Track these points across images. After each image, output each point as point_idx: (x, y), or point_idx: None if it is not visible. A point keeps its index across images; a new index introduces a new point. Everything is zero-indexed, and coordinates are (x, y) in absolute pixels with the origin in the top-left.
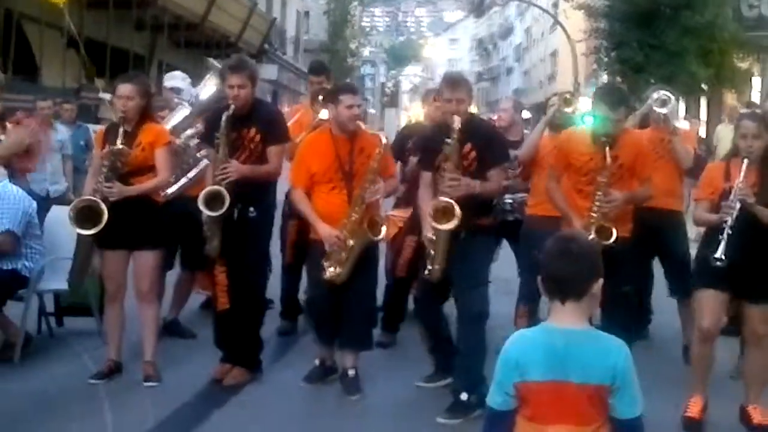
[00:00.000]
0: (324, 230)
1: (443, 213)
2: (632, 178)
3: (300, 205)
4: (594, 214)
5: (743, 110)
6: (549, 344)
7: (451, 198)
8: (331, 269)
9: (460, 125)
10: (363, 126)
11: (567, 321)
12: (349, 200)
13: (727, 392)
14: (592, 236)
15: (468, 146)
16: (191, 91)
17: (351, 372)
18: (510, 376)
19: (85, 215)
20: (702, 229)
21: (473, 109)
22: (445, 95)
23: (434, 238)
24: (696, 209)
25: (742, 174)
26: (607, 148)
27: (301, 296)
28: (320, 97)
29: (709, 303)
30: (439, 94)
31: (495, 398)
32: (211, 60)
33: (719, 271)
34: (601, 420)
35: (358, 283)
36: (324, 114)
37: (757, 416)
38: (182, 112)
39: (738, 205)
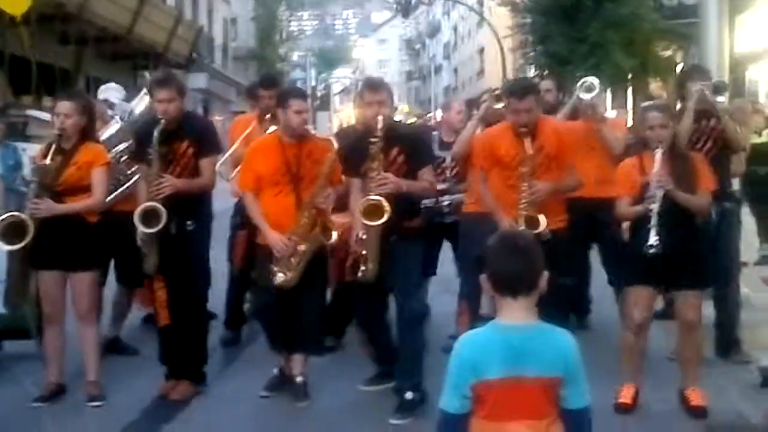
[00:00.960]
0: (272, 236)
1: (373, 210)
2: (560, 167)
3: (251, 209)
4: (521, 206)
5: (645, 104)
6: (504, 341)
7: (379, 196)
8: (281, 275)
9: (383, 125)
10: (312, 131)
11: (519, 316)
12: (297, 204)
13: (665, 374)
14: (521, 228)
15: (395, 151)
16: (124, 106)
17: (299, 378)
18: (466, 378)
19: (12, 232)
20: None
21: (405, 107)
22: (366, 98)
23: (365, 237)
24: (619, 206)
25: (658, 163)
26: (528, 139)
27: (246, 306)
28: (269, 115)
29: (640, 297)
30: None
31: (452, 402)
32: (146, 74)
33: (647, 265)
34: (554, 413)
35: (308, 288)
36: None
37: (695, 398)
38: (114, 126)
39: (659, 193)
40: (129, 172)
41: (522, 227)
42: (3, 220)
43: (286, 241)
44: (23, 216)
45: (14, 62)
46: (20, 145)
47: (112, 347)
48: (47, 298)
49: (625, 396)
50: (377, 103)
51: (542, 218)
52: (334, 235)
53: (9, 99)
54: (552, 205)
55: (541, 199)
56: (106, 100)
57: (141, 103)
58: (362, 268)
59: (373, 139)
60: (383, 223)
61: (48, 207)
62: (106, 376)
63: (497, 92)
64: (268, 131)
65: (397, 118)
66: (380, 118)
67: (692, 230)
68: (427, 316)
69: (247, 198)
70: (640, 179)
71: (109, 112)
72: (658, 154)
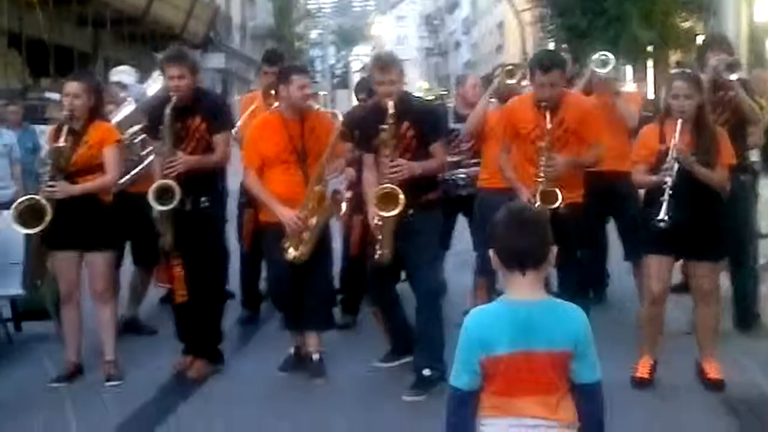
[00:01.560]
0: (284, 212)
1: (387, 199)
2: (580, 142)
3: (254, 188)
4: (539, 180)
5: (673, 71)
6: (512, 316)
7: (393, 183)
8: (292, 250)
9: (393, 108)
10: (315, 106)
11: (527, 291)
12: (304, 180)
13: (683, 348)
14: (537, 203)
15: (405, 125)
16: (137, 88)
17: (315, 356)
18: (475, 353)
19: (29, 215)
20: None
21: (425, 83)
22: (376, 78)
23: (380, 223)
24: (635, 172)
25: (678, 134)
26: (548, 113)
27: (262, 285)
28: (272, 91)
29: (657, 267)
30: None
31: (461, 378)
32: (159, 56)
33: (664, 235)
34: (564, 389)
35: (315, 263)
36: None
37: (712, 371)
38: (128, 108)
39: (676, 166)
40: (143, 153)
41: (538, 202)
42: (20, 203)
43: (299, 216)
44: (40, 199)
45: (32, 45)
46: (39, 127)
47: (130, 327)
48: (63, 278)
49: (642, 370)
50: (388, 82)
51: (558, 193)
52: (344, 206)
53: (27, 82)
54: (569, 180)
55: (559, 173)
56: (118, 82)
57: (155, 85)
58: (378, 252)
59: (383, 126)
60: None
61: (63, 188)
62: (124, 355)
63: (509, 67)
64: (273, 107)
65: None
66: (390, 103)
67: (708, 202)
68: (442, 291)
69: (250, 176)
70: (659, 147)
71: (122, 94)
72: (679, 124)
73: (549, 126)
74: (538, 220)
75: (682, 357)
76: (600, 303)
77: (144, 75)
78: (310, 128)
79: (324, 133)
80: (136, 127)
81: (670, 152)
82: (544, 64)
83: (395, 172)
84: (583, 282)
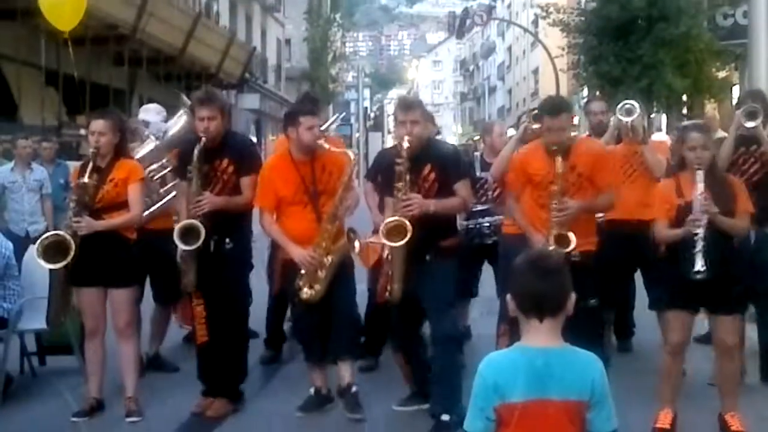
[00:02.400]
0: (296, 251)
1: (395, 231)
2: (594, 188)
3: (270, 229)
4: (552, 224)
5: (684, 123)
6: (528, 364)
7: (405, 218)
8: (306, 289)
9: (408, 146)
10: (326, 146)
11: (544, 338)
12: (318, 219)
13: (706, 400)
14: (551, 246)
15: (427, 168)
16: (159, 125)
17: (353, 388)
18: (490, 399)
19: (54, 250)
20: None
21: (458, 128)
22: (399, 118)
23: (390, 258)
24: (657, 228)
25: (701, 185)
26: (558, 157)
27: (286, 325)
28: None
29: (677, 320)
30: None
31: (475, 424)
32: (183, 96)
33: (685, 289)
34: None
35: (338, 297)
36: None
37: (735, 424)
38: (149, 146)
39: (705, 217)
40: (162, 190)
41: (552, 246)
42: (45, 239)
43: (311, 254)
44: (65, 234)
45: (68, 82)
46: (72, 164)
47: (153, 364)
48: (88, 314)
49: (663, 421)
50: (410, 122)
51: (572, 237)
52: (357, 244)
53: (63, 118)
54: (583, 227)
55: (571, 217)
56: (143, 120)
57: (177, 123)
58: (388, 288)
59: (398, 160)
60: (406, 243)
61: (89, 224)
62: (145, 391)
63: (535, 112)
64: None
65: (451, 139)
66: (407, 138)
67: (730, 253)
68: (460, 337)
69: (266, 218)
70: (677, 201)
71: (145, 132)
72: (700, 175)
73: (559, 170)
74: (557, 268)
75: (705, 408)
76: (625, 352)
77: (174, 114)
78: (321, 167)
79: (336, 170)
80: (155, 165)
81: (695, 204)
82: (551, 108)
83: (407, 207)
84: (595, 331)
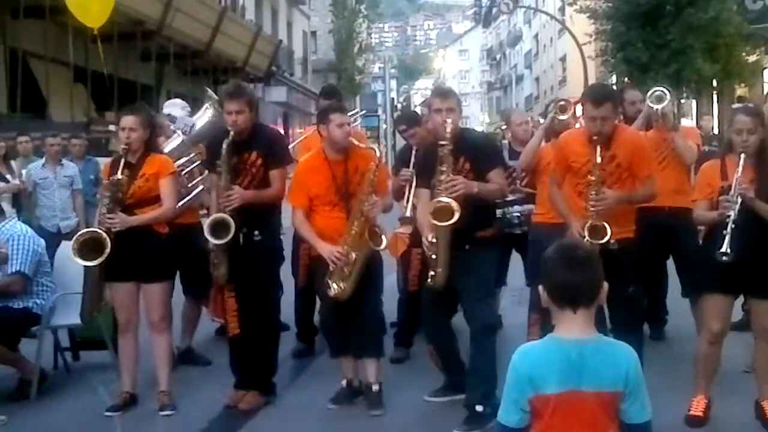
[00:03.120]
0: (325, 248)
1: (443, 212)
2: (633, 178)
3: (301, 227)
4: (589, 214)
5: (735, 105)
6: (562, 355)
7: (452, 197)
8: (335, 286)
9: (451, 130)
10: (356, 142)
11: (577, 329)
12: (347, 218)
13: (742, 388)
14: (585, 237)
15: (461, 160)
16: (186, 120)
17: (375, 387)
18: (524, 391)
19: (89, 247)
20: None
21: (486, 118)
22: (435, 105)
23: (434, 240)
24: (696, 210)
25: (740, 169)
26: (598, 147)
27: (316, 318)
28: None
29: (717, 306)
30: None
31: (511, 416)
32: (209, 90)
33: (723, 273)
34: (613, 428)
35: (364, 295)
36: None
37: None
38: (175, 141)
39: (739, 200)
40: (189, 185)
41: (586, 236)
42: (81, 236)
43: (340, 251)
44: (101, 232)
45: (96, 79)
46: (102, 159)
47: (186, 357)
48: (122, 309)
49: (697, 408)
50: (446, 109)
51: (607, 228)
52: (384, 240)
53: (92, 115)
54: (621, 215)
55: (608, 208)
56: (168, 115)
57: (203, 117)
58: (431, 273)
59: (442, 142)
60: (453, 224)
61: (123, 220)
62: (178, 385)
63: (562, 103)
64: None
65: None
66: (449, 121)
67: None
68: (497, 327)
69: (297, 215)
70: (721, 183)
71: (171, 126)
72: (742, 159)
73: (599, 160)
74: (589, 257)
75: (741, 396)
76: (658, 340)
77: (200, 108)
78: (354, 167)
79: (367, 170)
80: (182, 159)
81: (733, 187)
82: (595, 97)
83: (452, 188)
84: (635, 319)
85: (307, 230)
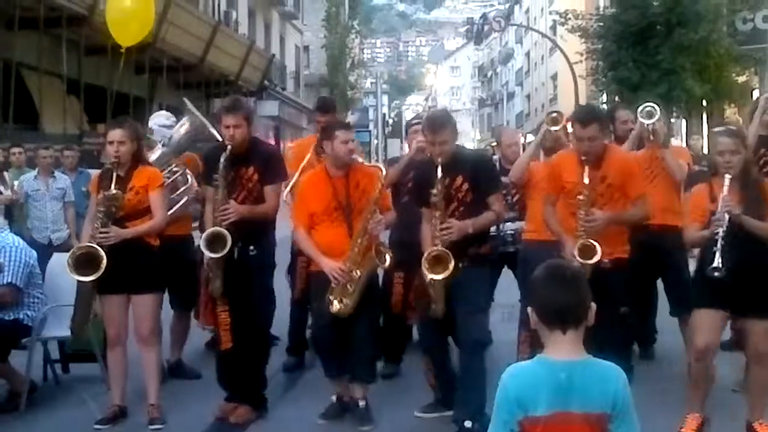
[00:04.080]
0: (328, 264)
1: (437, 262)
2: (625, 198)
3: (303, 244)
4: (578, 234)
5: (717, 129)
6: (551, 377)
7: (444, 245)
8: (336, 303)
9: (442, 172)
10: (360, 159)
11: (567, 350)
12: (349, 234)
13: (732, 407)
14: (576, 256)
15: (459, 179)
16: (164, 132)
17: (362, 403)
18: (514, 413)
19: (84, 262)
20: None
21: (476, 134)
22: (428, 138)
23: (433, 283)
24: (687, 232)
25: (726, 188)
26: (586, 167)
27: (308, 332)
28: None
29: (706, 322)
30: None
31: None
32: (186, 101)
33: (716, 290)
34: None
35: (361, 315)
36: None
37: None
38: (157, 152)
39: (726, 217)
40: (173, 195)
41: (576, 256)
42: (76, 251)
43: (342, 267)
44: (96, 246)
45: (89, 91)
46: (94, 171)
47: (175, 371)
48: (111, 321)
49: (689, 427)
50: (439, 143)
51: (598, 247)
52: (388, 258)
53: (84, 127)
54: (613, 235)
55: (598, 228)
56: (150, 128)
57: (181, 129)
58: (432, 307)
59: (433, 191)
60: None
61: (117, 233)
62: (167, 398)
63: (554, 114)
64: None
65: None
66: (439, 167)
67: (762, 257)
68: (487, 343)
69: (300, 233)
70: (711, 207)
71: (152, 138)
72: (727, 179)
73: (586, 180)
74: (578, 278)
75: (731, 416)
76: (648, 359)
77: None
78: (355, 183)
79: (370, 186)
80: (164, 171)
81: (719, 205)
82: (581, 118)
83: (445, 233)
84: (624, 341)
85: (310, 246)
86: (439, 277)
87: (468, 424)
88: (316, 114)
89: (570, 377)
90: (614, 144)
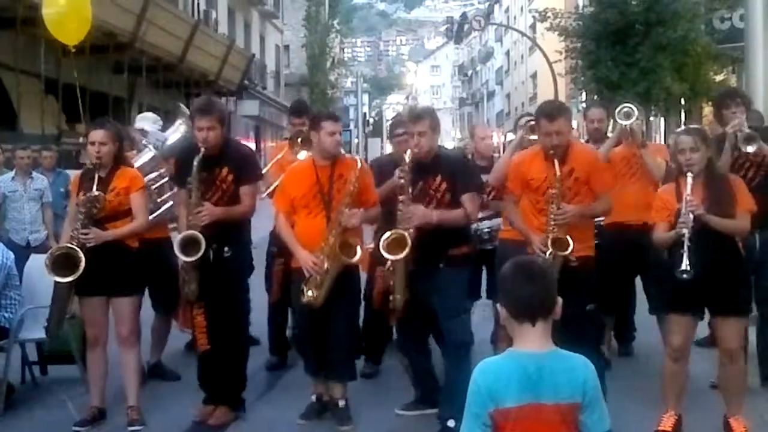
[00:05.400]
0: (302, 255)
1: (395, 244)
2: (591, 192)
3: (283, 231)
4: (550, 228)
5: (678, 129)
6: (520, 369)
7: (407, 229)
8: (309, 293)
9: (410, 158)
10: (342, 152)
11: (536, 342)
12: (327, 225)
13: (708, 402)
14: (549, 249)
15: (438, 178)
16: (158, 135)
17: (341, 402)
18: (485, 406)
19: (62, 263)
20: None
21: (457, 133)
22: (408, 129)
23: (392, 269)
24: (655, 232)
25: (689, 188)
26: (556, 161)
27: (289, 332)
28: (299, 139)
29: (679, 324)
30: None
31: (473, 430)
32: (181, 105)
33: (684, 292)
34: None
35: (339, 312)
36: (303, 156)
37: (739, 428)
38: (147, 155)
39: (691, 217)
40: (159, 200)
41: (549, 249)
42: (55, 252)
43: (315, 260)
44: (75, 248)
45: (67, 91)
46: (72, 172)
47: (155, 372)
48: (91, 323)
49: (666, 424)
50: (417, 133)
51: (570, 240)
52: (359, 252)
53: (62, 127)
54: (580, 232)
55: (569, 221)
56: (141, 129)
57: (175, 133)
58: (391, 298)
59: (401, 174)
60: (419, 251)
61: (98, 235)
62: (146, 400)
63: (532, 123)
64: (299, 155)
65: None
66: (409, 151)
67: (730, 255)
68: (470, 343)
69: (280, 219)
70: (677, 205)
71: (143, 141)
72: (690, 178)
73: (558, 173)
74: (546, 271)
75: (709, 412)
76: (627, 356)
77: (172, 122)
78: (338, 174)
79: (351, 178)
80: (153, 174)
81: (683, 206)
82: (549, 112)
83: (407, 218)
84: (591, 335)
85: (289, 235)
86: (396, 257)
87: (451, 423)
88: (291, 117)
89: (539, 369)
90: (577, 140)
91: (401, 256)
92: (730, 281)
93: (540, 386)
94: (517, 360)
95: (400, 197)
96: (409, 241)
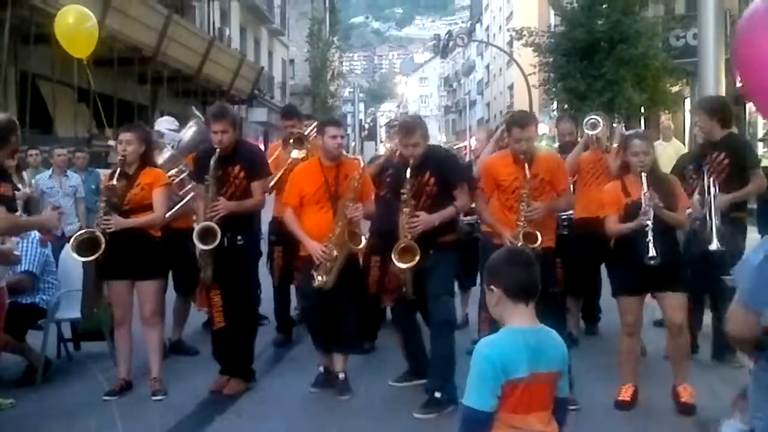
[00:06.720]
0: (311, 245)
1: (405, 252)
2: (552, 191)
3: (291, 224)
4: (520, 223)
5: (627, 132)
6: (525, 343)
7: (413, 237)
8: (319, 278)
9: (413, 170)
10: (345, 154)
11: (530, 320)
12: (334, 218)
13: (663, 376)
14: (520, 243)
15: (427, 174)
16: (173, 136)
17: (341, 375)
18: (498, 378)
19: (86, 246)
20: None
21: (443, 137)
22: (402, 141)
23: (404, 267)
24: (608, 223)
25: (645, 185)
26: (526, 164)
27: (293, 311)
28: (291, 140)
29: (630, 304)
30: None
31: (486, 401)
32: (193, 108)
33: (636, 277)
34: (553, 404)
35: (345, 292)
36: (295, 154)
37: (685, 395)
38: (166, 154)
39: (652, 211)
40: (181, 192)
41: (521, 243)
42: (79, 235)
43: (324, 248)
44: (96, 231)
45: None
46: (102, 171)
47: (176, 348)
48: (117, 304)
49: (624, 394)
50: (411, 145)
51: (539, 234)
52: (363, 240)
53: (93, 131)
54: (544, 225)
55: (538, 217)
56: (157, 131)
57: (188, 132)
58: (403, 289)
59: (403, 191)
60: (415, 265)
61: (117, 222)
62: (168, 373)
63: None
64: (292, 154)
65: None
66: (409, 168)
67: (673, 241)
68: (454, 322)
69: (288, 213)
70: (625, 200)
71: (160, 141)
72: (644, 177)
73: (528, 175)
74: (533, 258)
75: (663, 383)
76: (592, 335)
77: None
78: (344, 174)
79: (353, 177)
80: (173, 170)
81: (643, 201)
82: (521, 121)
83: (413, 227)
84: (560, 313)
85: (297, 228)
86: (407, 265)
87: (438, 394)
88: (281, 120)
89: (537, 342)
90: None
91: (413, 263)
92: (672, 263)
93: (539, 357)
94: (520, 335)
95: (405, 209)
96: (419, 252)
